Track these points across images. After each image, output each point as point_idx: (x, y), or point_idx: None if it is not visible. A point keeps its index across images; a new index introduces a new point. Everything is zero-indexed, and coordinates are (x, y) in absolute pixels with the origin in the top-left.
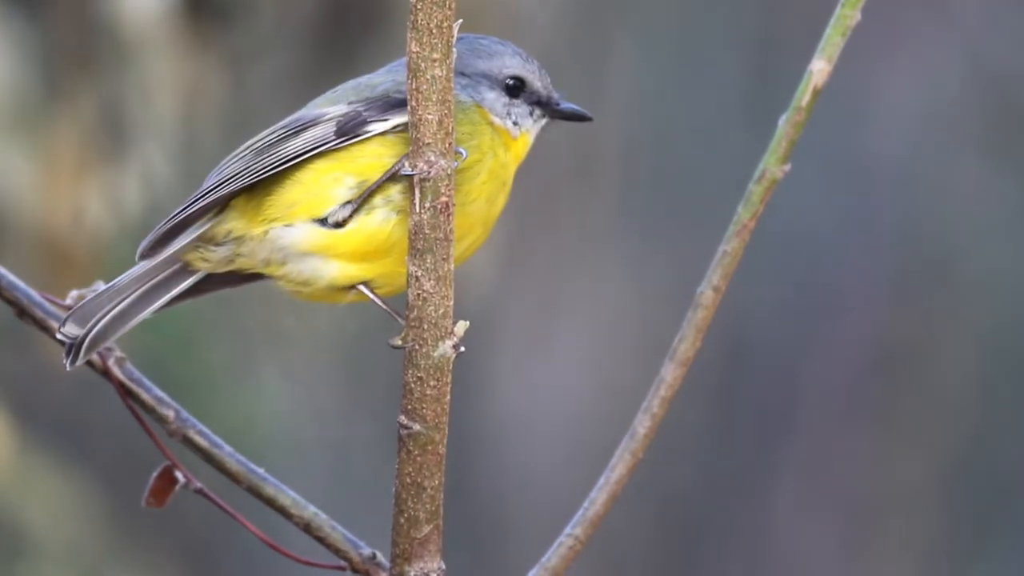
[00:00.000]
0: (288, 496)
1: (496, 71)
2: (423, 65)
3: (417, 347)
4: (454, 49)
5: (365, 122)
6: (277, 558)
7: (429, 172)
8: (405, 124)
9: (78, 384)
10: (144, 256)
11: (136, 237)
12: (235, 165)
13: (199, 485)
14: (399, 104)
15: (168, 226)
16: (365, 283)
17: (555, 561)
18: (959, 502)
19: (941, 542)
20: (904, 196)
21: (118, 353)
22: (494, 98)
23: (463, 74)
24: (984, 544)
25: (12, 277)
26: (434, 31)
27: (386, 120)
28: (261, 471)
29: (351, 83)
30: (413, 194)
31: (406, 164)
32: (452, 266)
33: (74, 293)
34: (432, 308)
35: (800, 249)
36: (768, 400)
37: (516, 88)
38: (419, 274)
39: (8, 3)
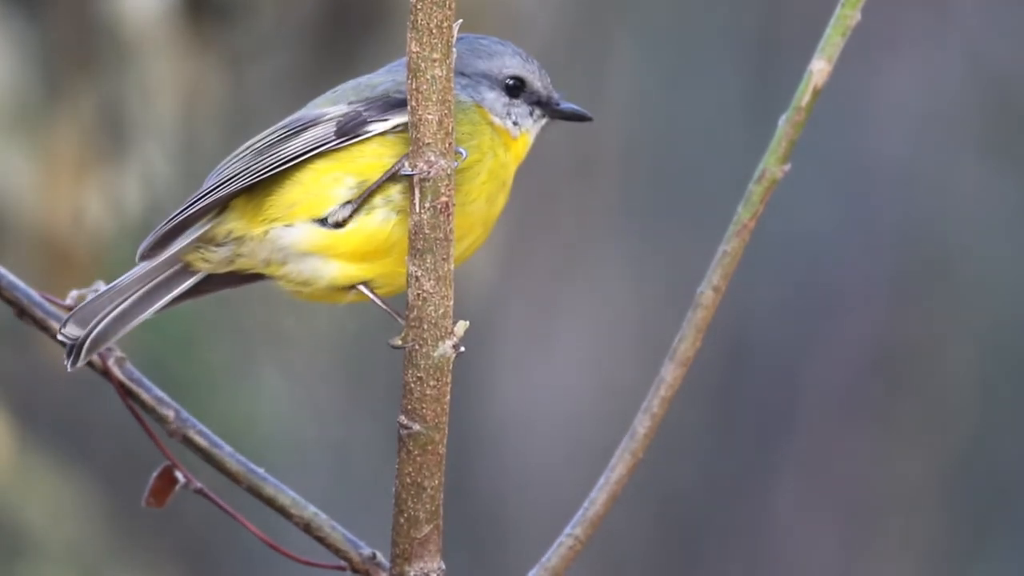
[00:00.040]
0: (288, 496)
1: (496, 71)
2: (423, 65)
3: (417, 347)
4: (454, 49)
5: (365, 122)
6: (277, 558)
7: (429, 172)
8: (405, 124)
9: (78, 384)
10: (144, 257)
11: (136, 237)
12: (235, 165)
13: (199, 485)
14: (399, 104)
15: (168, 227)
16: (365, 283)
17: (555, 561)
18: (959, 502)
19: (941, 542)
20: (904, 196)
21: (118, 353)
22: (494, 98)
23: (463, 74)
24: (984, 544)
25: (12, 277)
26: (434, 31)
27: (386, 120)
28: (261, 471)
29: (351, 83)
30: (413, 194)
31: (406, 164)
32: (452, 266)
33: (74, 293)
34: (432, 308)
35: (800, 249)
36: (768, 400)
37: (516, 88)
38: (419, 274)
39: (8, 3)
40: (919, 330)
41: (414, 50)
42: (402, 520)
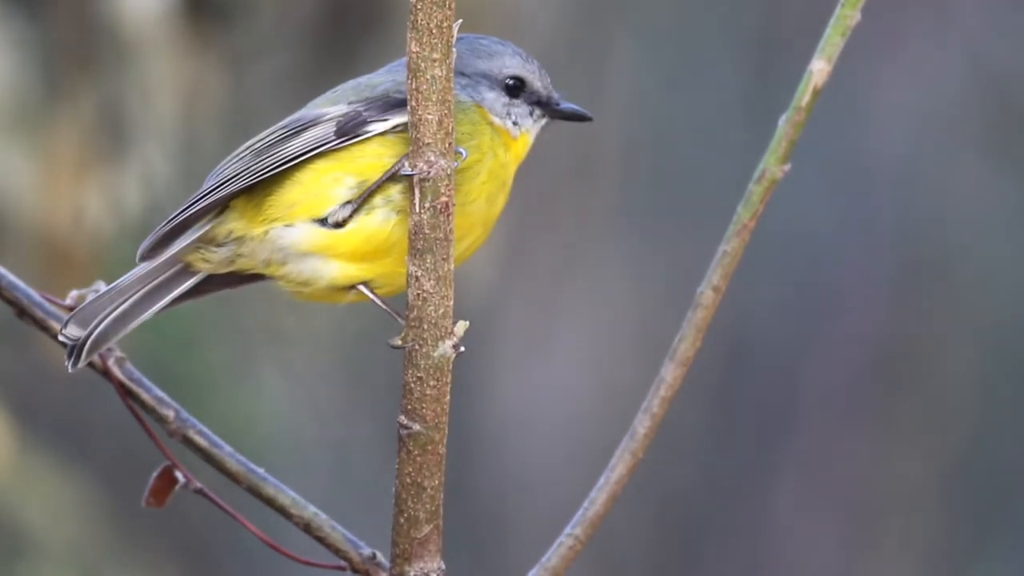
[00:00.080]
0: (288, 496)
1: (496, 71)
2: (423, 65)
3: (417, 347)
4: (454, 49)
5: (365, 122)
6: (277, 558)
7: (429, 172)
8: (405, 124)
9: (78, 384)
10: (145, 257)
11: (136, 237)
12: (235, 166)
13: (199, 485)
14: (399, 104)
15: (168, 227)
16: (365, 283)
17: (555, 561)
18: (959, 502)
19: (941, 542)
20: (904, 196)
21: (118, 353)
22: (494, 98)
23: (463, 74)
24: (984, 544)
25: (12, 277)
26: (434, 31)
27: (386, 120)
28: (261, 471)
29: (351, 83)
30: (413, 194)
31: (406, 164)
32: (452, 266)
33: (74, 293)
34: (432, 308)
35: (800, 249)
36: (768, 400)
37: (516, 88)
38: (419, 274)
39: (8, 3)
40: (919, 330)
41: (414, 50)
42: (402, 520)
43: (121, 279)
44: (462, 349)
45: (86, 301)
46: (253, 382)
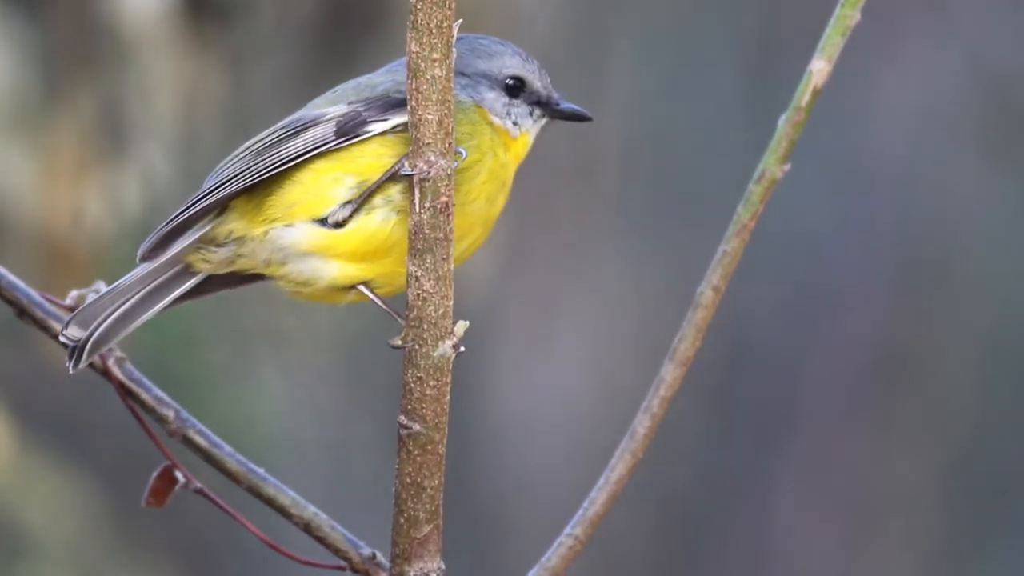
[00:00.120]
0: (288, 496)
1: (496, 71)
2: (423, 65)
3: (417, 347)
4: (454, 49)
5: (365, 122)
6: (277, 558)
7: (429, 172)
8: (405, 124)
9: (78, 384)
10: (145, 258)
11: (136, 237)
12: (235, 166)
13: (199, 485)
14: (399, 104)
15: (168, 228)
16: (365, 283)
17: (555, 561)
18: (959, 502)
19: (941, 542)
20: (904, 196)
21: (118, 353)
22: (494, 98)
23: (463, 74)
24: (984, 544)
25: (12, 277)
26: (434, 31)
27: (386, 120)
28: (261, 471)
29: (351, 83)
30: (413, 194)
31: (406, 164)
32: (452, 266)
33: (74, 293)
34: (432, 308)
35: (800, 249)
36: (768, 400)
37: (516, 88)
38: (419, 274)
39: (8, 3)
40: (919, 330)
41: (414, 50)
42: (402, 520)
43: (122, 280)
44: (462, 349)
45: (86, 301)
46: (253, 382)
